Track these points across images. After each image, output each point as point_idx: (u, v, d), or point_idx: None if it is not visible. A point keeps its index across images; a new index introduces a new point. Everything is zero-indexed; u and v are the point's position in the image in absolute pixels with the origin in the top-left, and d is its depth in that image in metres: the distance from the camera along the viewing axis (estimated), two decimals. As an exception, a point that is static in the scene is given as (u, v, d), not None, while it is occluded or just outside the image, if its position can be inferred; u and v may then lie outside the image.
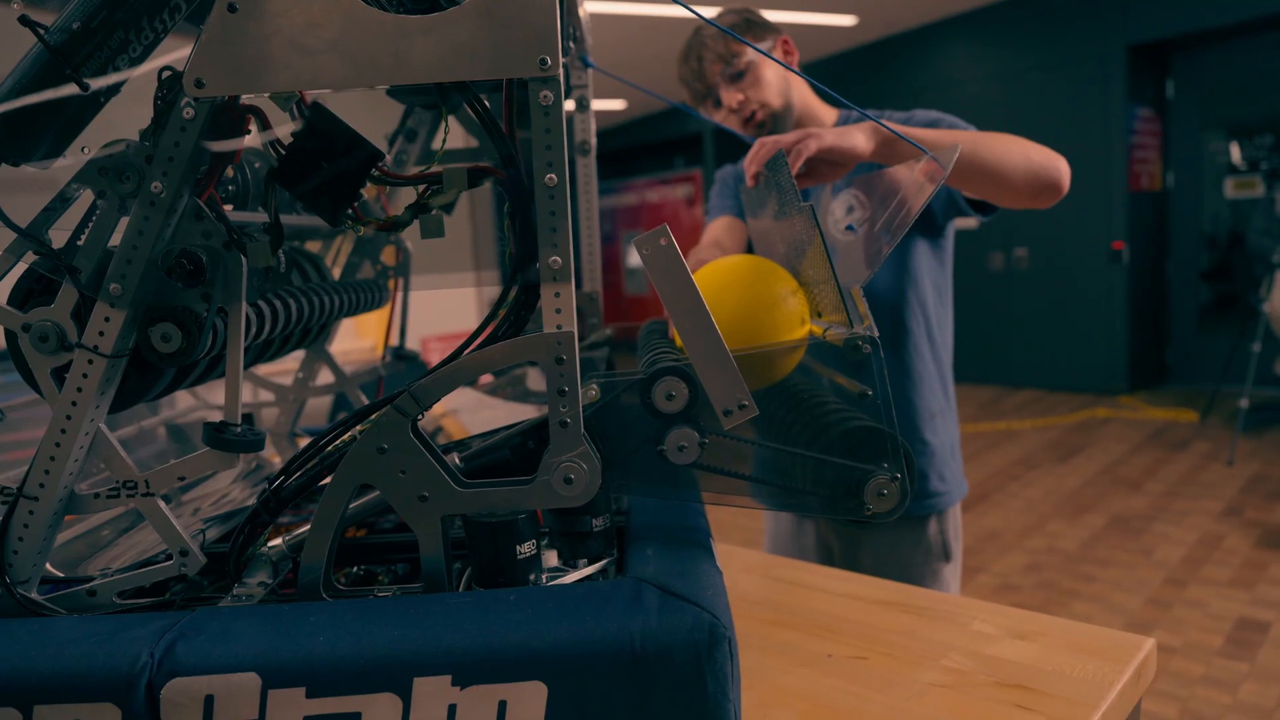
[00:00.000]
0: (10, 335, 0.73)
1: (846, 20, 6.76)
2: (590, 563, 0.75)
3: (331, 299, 1.00)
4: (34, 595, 0.73)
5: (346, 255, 1.23)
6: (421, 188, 0.67)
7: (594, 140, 1.20)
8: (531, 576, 0.70)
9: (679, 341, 0.79)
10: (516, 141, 0.67)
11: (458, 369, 0.67)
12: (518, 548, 0.69)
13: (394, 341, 1.32)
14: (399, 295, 1.29)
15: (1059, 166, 1.19)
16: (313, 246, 1.22)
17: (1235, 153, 6.20)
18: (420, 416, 0.69)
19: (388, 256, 1.28)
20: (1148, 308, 6.48)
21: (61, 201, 0.71)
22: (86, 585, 0.75)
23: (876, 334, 0.72)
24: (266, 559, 0.76)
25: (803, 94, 1.49)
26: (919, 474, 1.43)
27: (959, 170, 1.14)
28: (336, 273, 1.23)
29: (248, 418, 1.18)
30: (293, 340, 1.07)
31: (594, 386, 0.72)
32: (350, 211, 0.66)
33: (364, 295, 1.18)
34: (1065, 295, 6.61)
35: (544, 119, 0.65)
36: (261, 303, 0.81)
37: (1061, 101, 6.42)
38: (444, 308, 5.02)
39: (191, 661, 0.62)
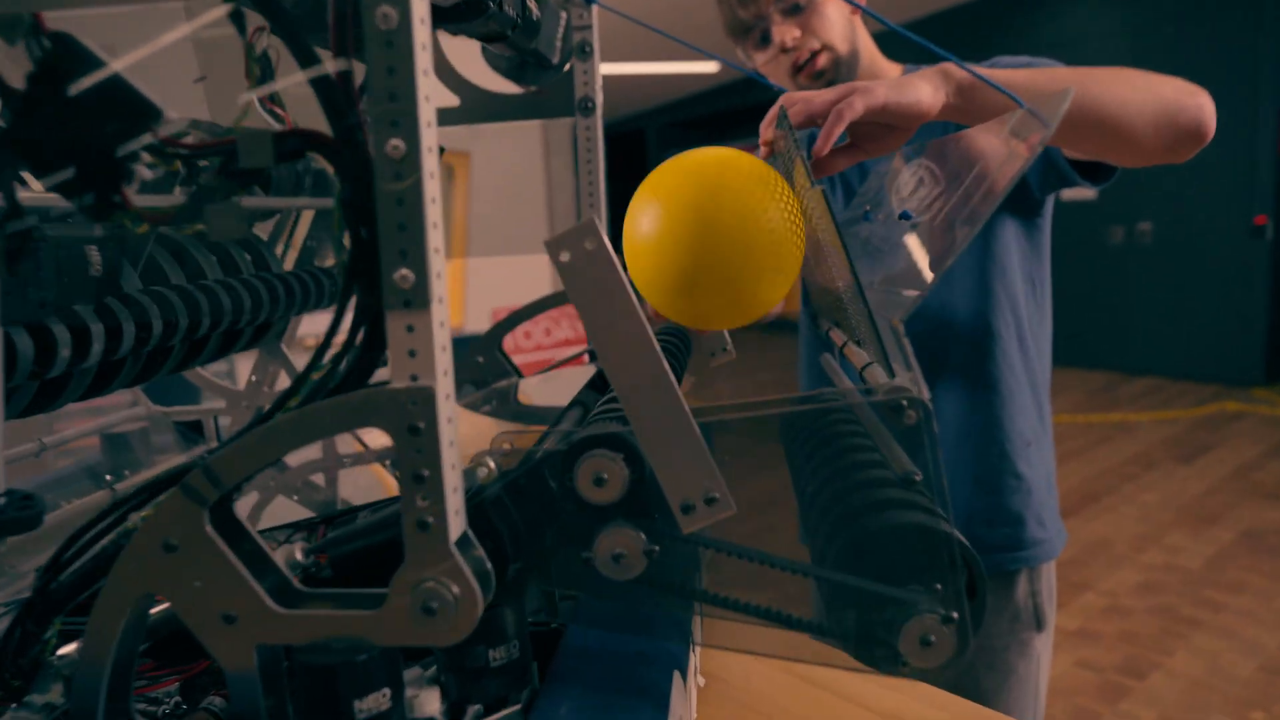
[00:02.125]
0: None
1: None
2: (486, 712, 0.51)
3: (236, 297, 0.78)
4: None
5: (301, 239, 1.02)
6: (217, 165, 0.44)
7: (599, 97, 0.95)
8: (389, 738, 0.47)
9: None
10: (355, 90, 0.43)
11: (269, 436, 0.45)
12: (356, 704, 0.46)
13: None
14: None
15: (1200, 102, 0.87)
16: (262, 229, 1.01)
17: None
18: (231, 499, 0.47)
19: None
20: (1291, 290, 5.83)
21: None
22: None
23: (928, 396, 0.46)
24: (59, 671, 0.56)
25: (869, 46, 1.20)
26: (1011, 517, 1.14)
27: (1066, 123, 0.83)
28: (291, 260, 1.02)
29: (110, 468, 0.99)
30: (210, 344, 0.86)
31: (488, 461, 0.48)
32: (119, 198, 0.44)
33: (314, 288, 0.96)
34: (1195, 274, 6.00)
35: (384, 52, 0.41)
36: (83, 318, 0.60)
37: (1199, 53, 5.76)
38: (516, 275, 4.81)
39: None
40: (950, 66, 0.79)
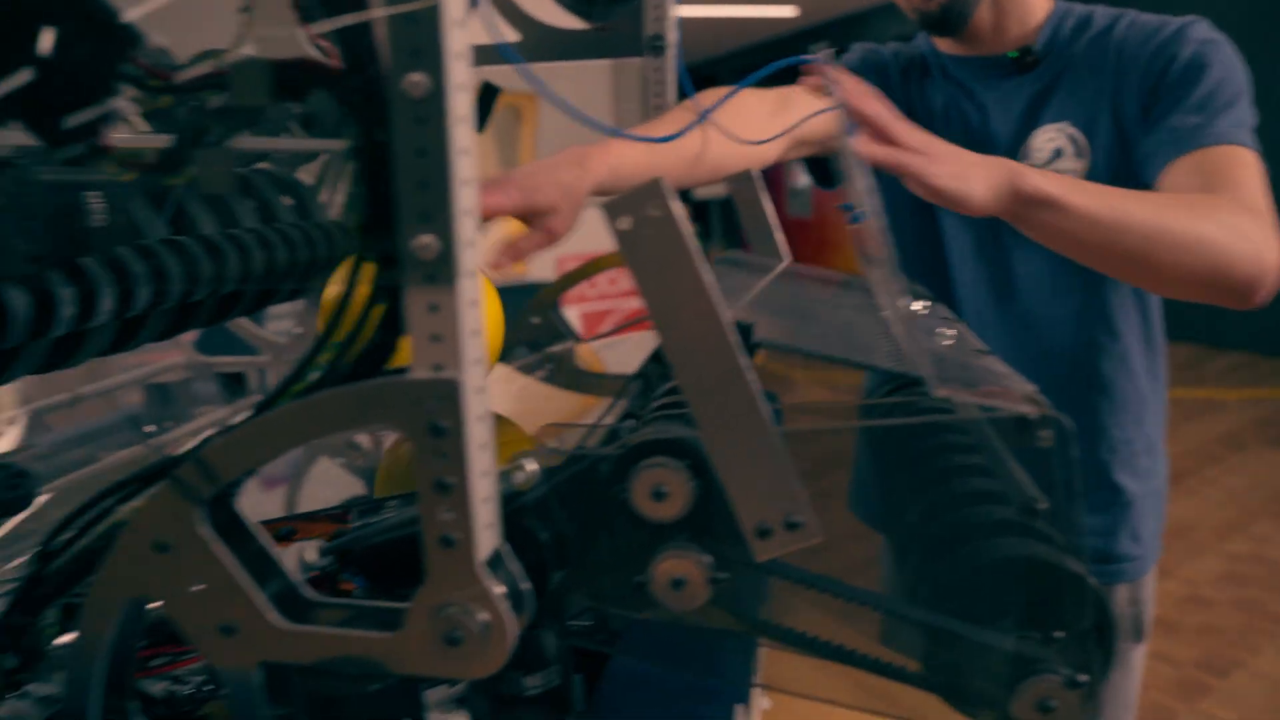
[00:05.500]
0: None
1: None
2: (518, 748, 0.45)
3: (271, 247, 0.72)
4: None
5: (347, 186, 0.95)
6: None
7: (673, 35, 0.85)
8: (405, 776, 0.41)
9: None
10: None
11: (268, 428, 0.38)
12: (368, 741, 0.39)
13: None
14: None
15: (1258, 257, 0.75)
16: (307, 172, 0.94)
17: None
18: (231, 494, 0.40)
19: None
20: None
21: None
22: None
23: (1069, 421, 0.37)
24: (59, 661, 0.51)
25: None
26: (1100, 528, 1.02)
27: (1080, 246, 0.76)
28: (339, 206, 0.95)
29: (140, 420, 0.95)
30: (247, 296, 0.80)
31: (527, 465, 0.41)
32: (94, 140, 0.37)
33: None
34: (1297, 244, 5.63)
35: (407, -35, 0.32)
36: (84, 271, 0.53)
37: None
38: (584, 221, 4.67)
39: None
40: (1019, 171, 0.70)
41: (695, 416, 0.38)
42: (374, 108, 0.34)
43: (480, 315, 0.36)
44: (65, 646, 0.51)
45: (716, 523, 0.40)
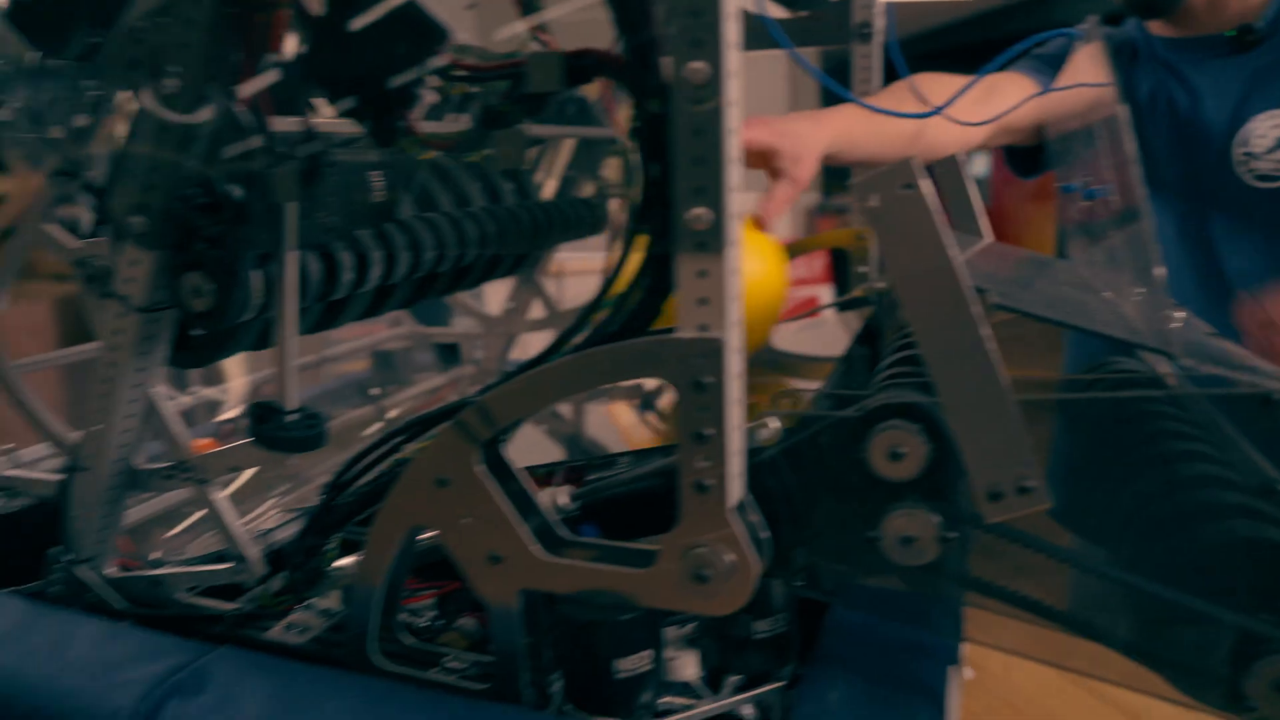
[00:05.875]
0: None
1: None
2: (744, 686, 0.48)
3: (502, 226, 0.78)
4: (85, 576, 0.61)
5: (563, 169, 1.01)
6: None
7: (881, 22, 0.86)
8: (645, 698, 0.45)
9: None
10: (650, 10, 0.39)
11: (543, 380, 0.43)
12: (617, 661, 0.44)
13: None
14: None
15: None
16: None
17: None
18: (501, 439, 0.46)
19: (611, 172, 1.04)
20: None
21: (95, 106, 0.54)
22: (152, 573, 0.62)
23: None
24: (337, 580, 0.58)
25: None
26: None
27: None
28: (551, 190, 1.02)
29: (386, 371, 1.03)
30: (474, 271, 0.88)
31: (770, 422, 0.44)
32: (403, 124, 0.43)
33: (574, 218, 0.96)
34: None
35: (692, -38, 0.36)
36: (361, 243, 0.61)
37: None
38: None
39: (173, 734, 0.45)
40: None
41: (934, 382, 0.41)
42: (655, 94, 0.38)
43: (739, 281, 0.39)
44: (343, 568, 0.58)
45: (946, 484, 0.42)
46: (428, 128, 0.43)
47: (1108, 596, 0.45)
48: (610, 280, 0.42)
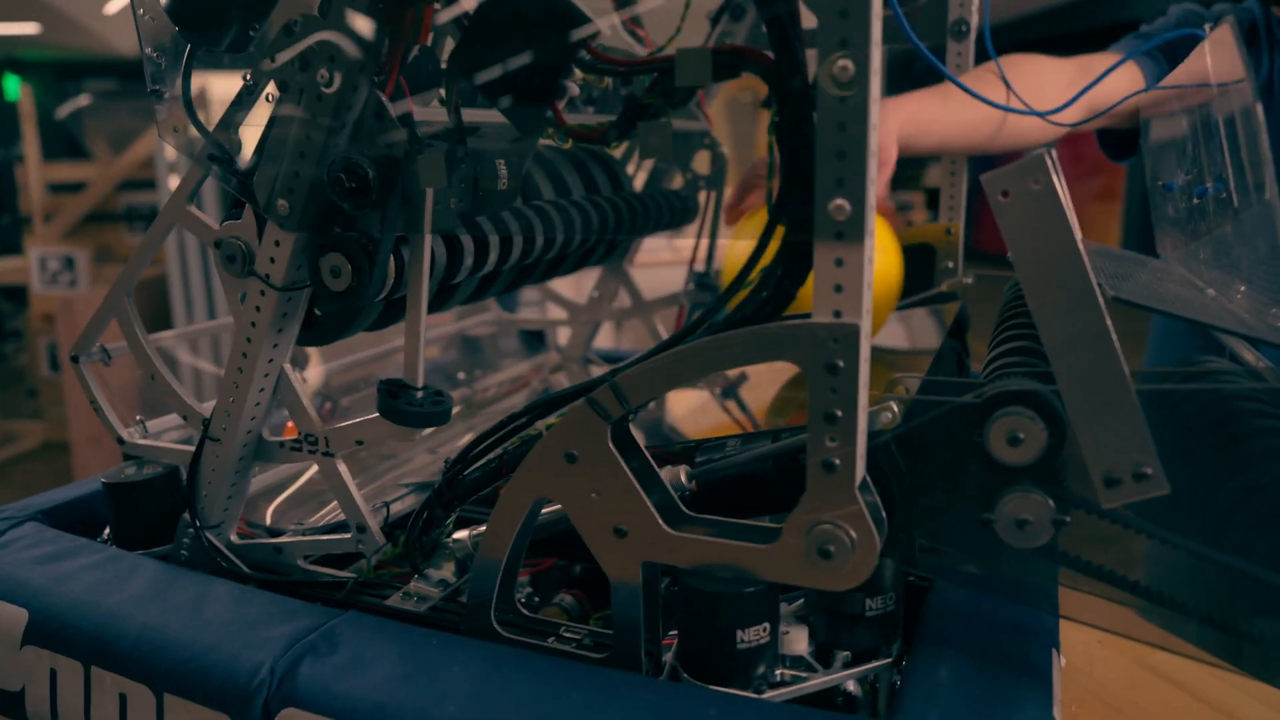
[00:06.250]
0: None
1: None
2: (853, 661, 0.50)
3: (601, 215, 0.81)
4: (218, 543, 0.65)
5: (653, 161, 1.03)
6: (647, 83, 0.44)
7: (975, 19, 0.87)
8: (761, 670, 0.47)
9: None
10: (797, 8, 0.41)
11: (678, 360, 0.45)
12: (739, 632, 0.46)
13: (700, 266, 1.11)
14: (710, 211, 1.08)
15: None
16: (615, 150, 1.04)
17: None
18: (629, 418, 0.48)
19: (700, 164, 1.06)
20: None
21: (248, 94, 0.58)
22: (276, 541, 0.65)
23: None
24: (452, 553, 0.61)
25: None
26: None
27: None
28: (641, 181, 1.04)
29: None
30: (570, 259, 0.90)
31: (892, 406, 0.46)
32: (551, 114, 0.45)
33: (665, 209, 0.98)
34: None
35: (842, -36, 0.38)
36: (484, 229, 0.64)
37: None
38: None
39: (310, 691, 0.49)
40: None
41: (1057, 372, 0.42)
42: (799, 89, 0.40)
43: (873, 270, 0.41)
44: (460, 542, 0.61)
45: (1061, 469, 0.44)
46: (572, 119, 0.45)
47: (1213, 587, 0.47)
48: (749, 267, 0.44)
